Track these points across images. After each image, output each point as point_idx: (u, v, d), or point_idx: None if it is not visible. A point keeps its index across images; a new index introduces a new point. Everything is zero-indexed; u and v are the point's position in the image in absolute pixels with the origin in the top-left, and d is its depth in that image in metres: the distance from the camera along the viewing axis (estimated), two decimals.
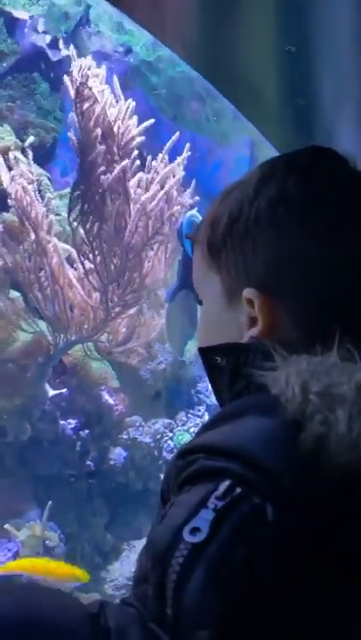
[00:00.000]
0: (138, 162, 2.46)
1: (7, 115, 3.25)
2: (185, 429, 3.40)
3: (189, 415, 3.55)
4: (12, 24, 3.48)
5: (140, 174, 2.47)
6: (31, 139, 2.60)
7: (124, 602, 0.43)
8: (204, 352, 0.59)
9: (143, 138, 2.42)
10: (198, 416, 3.56)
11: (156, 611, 0.40)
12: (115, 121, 2.36)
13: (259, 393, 0.50)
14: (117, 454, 3.12)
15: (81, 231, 2.48)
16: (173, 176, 2.47)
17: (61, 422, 2.85)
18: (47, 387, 2.80)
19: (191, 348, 3.02)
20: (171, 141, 2.45)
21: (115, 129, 2.37)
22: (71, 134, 2.40)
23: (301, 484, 0.43)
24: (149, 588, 0.41)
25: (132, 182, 2.45)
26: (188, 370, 3.62)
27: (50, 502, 2.65)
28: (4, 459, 2.76)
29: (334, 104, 1.61)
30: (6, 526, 2.57)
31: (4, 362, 2.69)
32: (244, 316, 0.57)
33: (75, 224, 2.47)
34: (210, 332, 0.62)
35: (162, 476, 0.55)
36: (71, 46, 2.47)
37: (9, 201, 2.49)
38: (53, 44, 3.61)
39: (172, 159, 2.50)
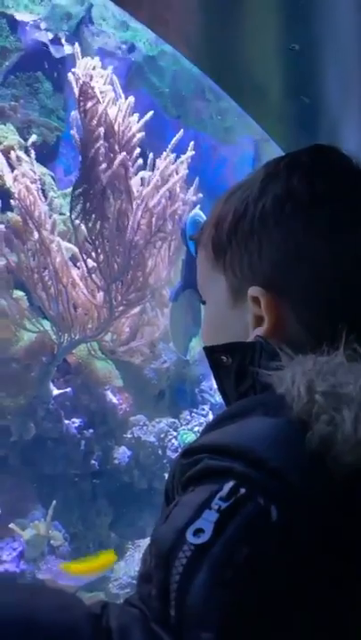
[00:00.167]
0: (140, 160, 2.46)
1: (10, 114, 3.25)
2: (189, 428, 3.40)
3: (193, 414, 3.55)
4: (15, 23, 3.48)
5: (142, 172, 2.47)
6: (33, 137, 2.60)
7: (128, 602, 0.43)
8: (210, 351, 0.59)
9: (143, 133, 2.41)
10: (202, 415, 3.56)
11: (159, 611, 0.40)
12: (115, 119, 2.36)
13: (264, 392, 0.50)
14: (122, 453, 3.12)
15: (83, 229, 2.48)
16: (177, 173, 2.46)
17: (65, 422, 2.85)
18: (51, 386, 2.81)
19: (195, 348, 3.02)
20: (175, 139, 2.45)
21: (116, 127, 2.37)
22: (74, 132, 2.40)
23: (307, 485, 0.42)
24: (153, 588, 0.41)
25: (135, 180, 2.45)
26: (192, 369, 3.62)
27: (54, 502, 2.65)
28: (9, 458, 2.77)
29: (339, 101, 1.60)
30: (11, 525, 2.57)
31: (9, 361, 2.69)
32: (249, 315, 0.57)
33: (77, 222, 2.47)
34: (215, 332, 0.62)
35: (166, 476, 0.55)
36: (76, 44, 2.47)
37: (11, 200, 2.49)
38: (56, 43, 3.61)
39: (176, 157, 2.50)
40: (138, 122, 2.40)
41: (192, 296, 2.27)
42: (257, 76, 1.54)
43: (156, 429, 3.28)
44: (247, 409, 0.49)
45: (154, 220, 2.44)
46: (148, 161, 2.48)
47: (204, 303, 0.65)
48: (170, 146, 2.45)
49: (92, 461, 2.94)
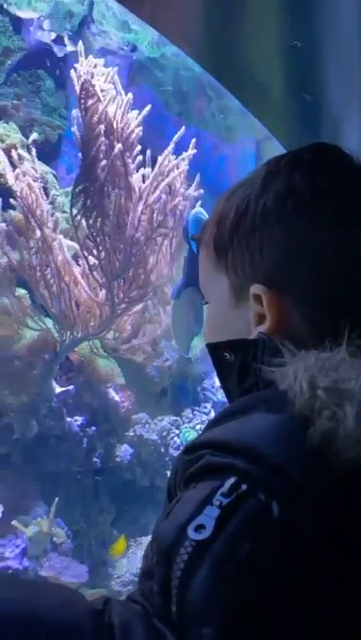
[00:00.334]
0: (140, 157, 2.46)
1: (13, 112, 3.25)
2: (191, 426, 3.40)
3: (196, 412, 3.56)
4: (18, 22, 3.48)
5: (143, 170, 2.47)
6: (34, 135, 2.59)
7: (130, 598, 0.43)
8: (213, 348, 0.59)
9: (140, 128, 2.41)
10: (205, 413, 3.57)
11: (160, 607, 0.40)
12: (114, 117, 2.36)
13: (267, 389, 0.50)
14: (124, 451, 3.13)
15: (84, 226, 2.48)
16: (177, 168, 2.46)
17: (68, 419, 2.85)
18: (54, 384, 2.81)
19: (197, 345, 3.03)
20: (176, 136, 2.45)
21: (115, 124, 2.36)
22: (75, 129, 2.40)
23: (308, 481, 0.42)
24: (154, 584, 0.41)
25: (136, 177, 2.45)
26: (194, 367, 3.62)
27: (57, 499, 2.66)
28: (12, 455, 2.78)
29: (341, 99, 1.60)
30: (14, 523, 2.58)
31: (11, 359, 2.70)
32: (251, 313, 0.57)
33: (77, 219, 2.47)
34: (217, 331, 0.61)
35: (168, 473, 0.55)
36: (80, 42, 2.47)
37: (12, 199, 2.50)
38: (59, 41, 3.61)
39: (177, 155, 2.50)
40: (137, 118, 2.39)
41: (194, 294, 2.27)
42: (259, 73, 1.54)
43: (159, 427, 3.29)
44: (249, 405, 0.49)
45: (154, 215, 2.44)
46: (150, 159, 2.48)
47: (206, 303, 0.65)
48: (171, 142, 2.45)
49: (95, 459, 2.95)
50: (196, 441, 0.48)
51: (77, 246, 2.58)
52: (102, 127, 2.33)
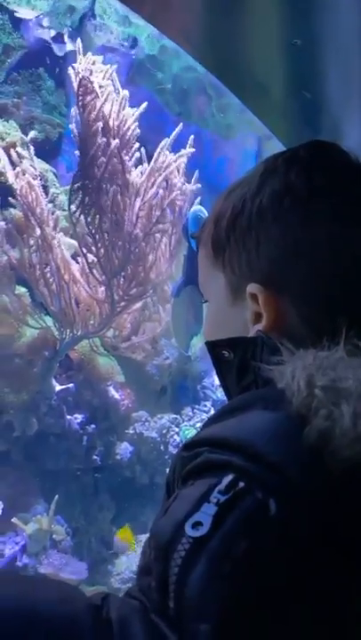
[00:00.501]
0: (138, 154, 2.45)
1: (13, 111, 3.25)
2: (191, 425, 3.41)
3: (195, 410, 3.56)
4: (18, 21, 3.47)
5: (142, 167, 2.47)
6: (32, 133, 2.59)
7: (128, 594, 0.43)
8: (212, 346, 0.59)
9: (137, 124, 2.40)
10: (204, 411, 3.57)
11: (158, 603, 0.40)
12: (109, 114, 2.35)
13: (266, 387, 0.50)
14: (124, 449, 3.13)
15: (83, 223, 2.47)
16: (174, 162, 2.45)
17: (68, 417, 2.86)
18: (54, 382, 2.81)
19: (197, 344, 3.03)
20: (174, 133, 2.44)
21: (111, 122, 2.36)
22: (73, 127, 2.40)
23: (305, 479, 0.42)
24: (152, 580, 0.41)
25: (134, 174, 2.45)
26: (193, 365, 3.62)
27: (57, 496, 2.66)
28: (12, 453, 2.78)
29: (341, 97, 1.60)
30: (14, 520, 2.58)
31: (11, 357, 2.70)
32: (248, 312, 0.57)
33: (76, 216, 2.46)
34: (215, 330, 0.62)
35: (167, 471, 0.55)
36: (78, 40, 2.46)
37: (12, 197, 2.49)
38: (59, 39, 3.60)
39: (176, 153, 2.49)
40: (133, 115, 2.39)
41: (194, 292, 2.27)
42: (259, 72, 1.54)
43: (158, 425, 3.29)
44: (247, 403, 0.49)
45: (153, 211, 2.43)
46: (148, 156, 2.48)
47: (205, 302, 0.65)
48: (168, 138, 2.44)
49: (95, 457, 2.95)
50: (195, 438, 0.48)
51: (77, 244, 2.58)
52: (100, 124, 2.33)
